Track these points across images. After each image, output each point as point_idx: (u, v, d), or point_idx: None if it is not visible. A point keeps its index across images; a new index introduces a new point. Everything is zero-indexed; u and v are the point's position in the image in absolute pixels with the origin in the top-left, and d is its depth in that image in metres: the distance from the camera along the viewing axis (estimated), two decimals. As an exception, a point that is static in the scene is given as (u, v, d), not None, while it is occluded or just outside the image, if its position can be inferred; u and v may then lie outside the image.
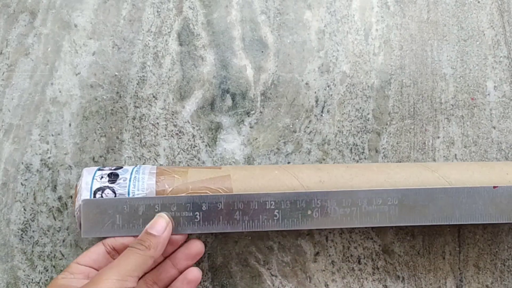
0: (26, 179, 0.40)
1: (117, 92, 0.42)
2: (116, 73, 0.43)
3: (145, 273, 0.35)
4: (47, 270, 0.39)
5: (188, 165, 0.41)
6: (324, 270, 0.40)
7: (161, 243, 0.33)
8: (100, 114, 0.42)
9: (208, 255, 0.40)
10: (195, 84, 0.43)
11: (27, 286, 0.38)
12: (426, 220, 0.34)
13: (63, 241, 0.39)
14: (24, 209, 0.40)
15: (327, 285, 0.40)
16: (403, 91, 0.44)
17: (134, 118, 0.42)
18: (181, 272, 0.35)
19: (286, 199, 0.35)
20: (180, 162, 0.41)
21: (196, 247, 0.35)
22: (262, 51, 0.44)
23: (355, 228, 0.41)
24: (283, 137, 0.42)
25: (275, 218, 0.35)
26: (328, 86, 0.43)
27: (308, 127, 0.43)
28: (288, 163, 0.42)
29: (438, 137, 0.43)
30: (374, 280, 0.40)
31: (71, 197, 0.40)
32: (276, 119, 0.43)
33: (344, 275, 0.40)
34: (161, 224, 0.33)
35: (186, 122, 0.42)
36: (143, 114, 0.42)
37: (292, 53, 0.44)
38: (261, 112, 0.43)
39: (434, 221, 0.34)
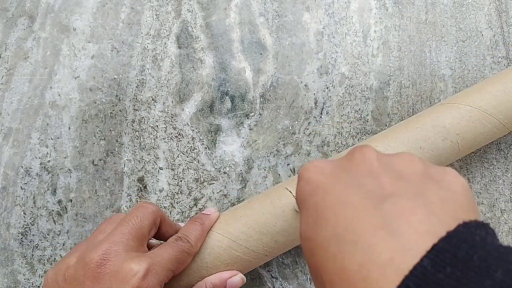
0: (25, 183, 0.40)
1: (116, 95, 0.42)
2: (115, 76, 0.43)
3: None
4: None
5: (188, 167, 0.41)
6: (324, 272, 0.40)
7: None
8: (100, 118, 0.42)
9: (208, 257, 0.40)
10: (194, 87, 0.43)
11: (27, 290, 0.38)
12: None
13: (63, 244, 0.39)
14: (24, 213, 0.39)
15: (328, 286, 0.40)
16: (402, 92, 0.44)
17: (133, 121, 0.42)
18: None
19: None
20: (179, 164, 0.41)
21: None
22: (261, 53, 0.44)
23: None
24: (282, 139, 0.42)
25: None
26: (327, 88, 0.43)
27: (308, 129, 0.43)
28: (288, 165, 0.42)
29: (438, 138, 0.43)
30: (374, 281, 0.40)
31: (71, 200, 0.40)
32: (275, 121, 0.43)
33: (345, 277, 0.40)
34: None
35: (185, 125, 0.42)
36: (143, 117, 0.42)
37: (291, 55, 0.44)
38: (260, 114, 0.43)
39: None
